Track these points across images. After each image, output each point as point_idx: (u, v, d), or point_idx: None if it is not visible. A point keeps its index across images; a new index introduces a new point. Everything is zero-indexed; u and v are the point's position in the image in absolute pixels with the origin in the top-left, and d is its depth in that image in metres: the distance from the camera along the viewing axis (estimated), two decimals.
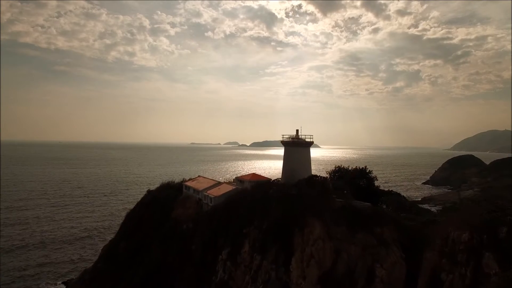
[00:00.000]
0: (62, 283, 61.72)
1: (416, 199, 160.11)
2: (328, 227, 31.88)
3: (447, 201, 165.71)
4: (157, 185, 65.30)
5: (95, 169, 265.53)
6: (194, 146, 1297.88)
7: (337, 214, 33.25)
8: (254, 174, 58.53)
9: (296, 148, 40.16)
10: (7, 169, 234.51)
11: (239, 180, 56.71)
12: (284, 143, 41.83)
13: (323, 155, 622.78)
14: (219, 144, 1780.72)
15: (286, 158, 40.87)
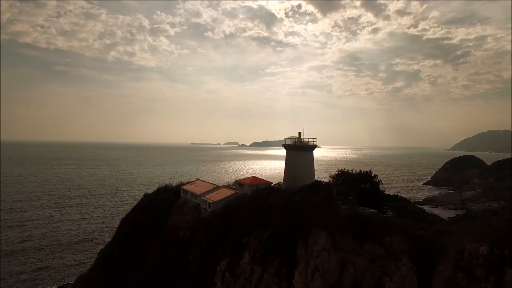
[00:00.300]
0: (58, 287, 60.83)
1: (418, 200, 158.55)
2: (334, 238, 29.83)
3: (449, 202, 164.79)
4: (155, 186, 63.68)
5: (95, 170, 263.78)
6: (194, 146, 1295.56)
7: (343, 223, 31.19)
8: (254, 177, 56.56)
9: (299, 152, 38.03)
10: (7, 169, 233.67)
11: (239, 183, 54.78)
12: (286, 147, 39.75)
13: (323, 155, 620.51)
14: (219, 144, 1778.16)
15: (288, 163, 38.77)
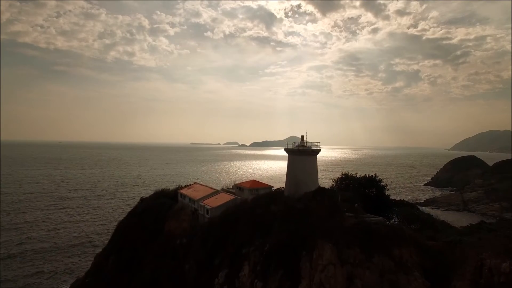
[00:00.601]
0: None
1: (419, 201, 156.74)
2: (340, 250, 27.81)
3: (451, 203, 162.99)
4: (155, 187, 62.06)
5: (94, 170, 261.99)
6: (194, 146, 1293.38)
7: (350, 233, 29.13)
8: (254, 181, 54.78)
9: (302, 156, 35.94)
10: (7, 169, 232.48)
11: (238, 187, 52.97)
12: (288, 151, 37.65)
13: (323, 155, 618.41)
14: (218, 144, 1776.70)
15: (290, 168, 36.65)
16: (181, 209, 48.00)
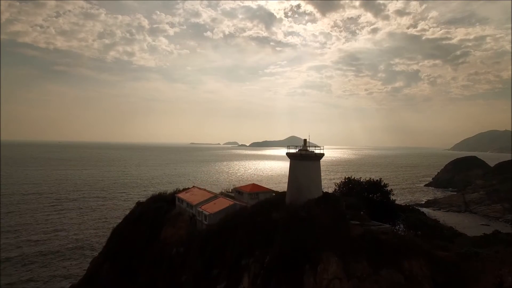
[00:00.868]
0: None
1: (420, 202, 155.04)
2: (346, 263, 26.02)
3: (452, 204, 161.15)
4: (153, 189, 60.36)
5: (94, 171, 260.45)
6: (194, 146, 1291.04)
7: (356, 244, 27.35)
8: (254, 184, 53.16)
9: (304, 162, 34.12)
10: (6, 170, 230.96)
11: (238, 191, 51.27)
12: (290, 156, 35.83)
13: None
14: (218, 144, 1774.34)
15: (292, 173, 34.81)
16: (178, 214, 46.17)
